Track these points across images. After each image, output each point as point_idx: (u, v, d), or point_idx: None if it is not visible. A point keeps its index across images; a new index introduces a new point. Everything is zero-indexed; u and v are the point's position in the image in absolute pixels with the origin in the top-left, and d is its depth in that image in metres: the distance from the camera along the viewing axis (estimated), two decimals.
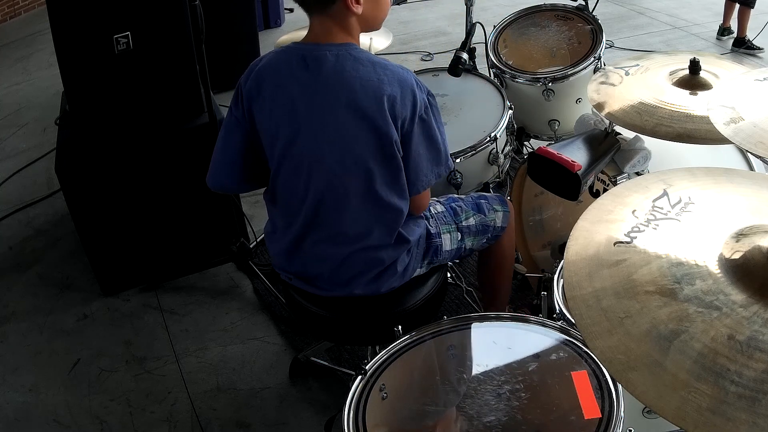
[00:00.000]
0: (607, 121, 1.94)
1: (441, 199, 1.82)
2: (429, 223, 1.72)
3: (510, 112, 2.22)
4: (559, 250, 2.19)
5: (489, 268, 1.95)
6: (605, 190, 1.93)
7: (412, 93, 1.47)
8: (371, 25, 1.53)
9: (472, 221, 1.78)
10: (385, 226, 1.57)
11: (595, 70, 2.45)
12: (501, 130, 2.15)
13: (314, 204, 1.54)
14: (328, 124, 1.47)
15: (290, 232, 1.61)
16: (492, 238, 1.84)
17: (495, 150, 2.15)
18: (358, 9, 1.45)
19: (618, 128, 1.94)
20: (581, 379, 1.23)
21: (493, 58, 2.63)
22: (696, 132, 1.61)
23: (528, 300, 2.34)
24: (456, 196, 1.85)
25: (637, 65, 1.89)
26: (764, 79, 1.48)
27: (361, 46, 1.52)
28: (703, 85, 1.74)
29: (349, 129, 1.46)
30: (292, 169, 1.54)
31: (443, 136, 1.56)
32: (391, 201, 1.54)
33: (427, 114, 1.50)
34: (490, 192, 2.12)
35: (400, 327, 1.44)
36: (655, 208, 1.06)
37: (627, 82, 1.83)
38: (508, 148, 2.25)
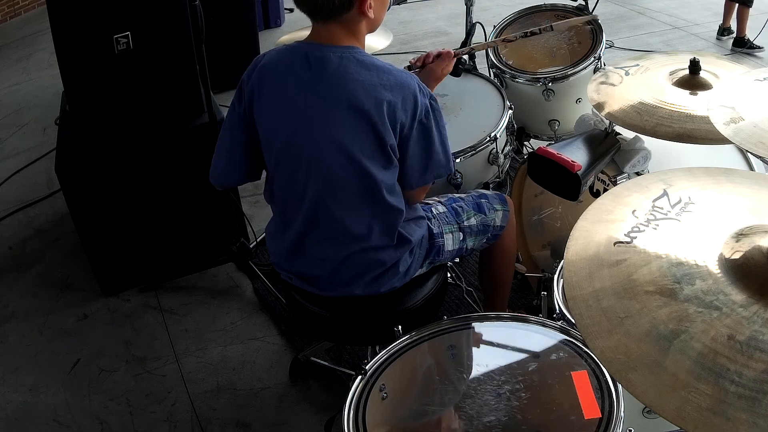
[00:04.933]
0: (607, 121, 1.94)
1: (442, 199, 1.82)
2: (431, 223, 1.72)
3: (510, 112, 2.22)
4: (555, 254, 2.20)
5: (490, 267, 1.96)
6: (605, 190, 1.93)
7: (414, 98, 1.47)
8: (376, 25, 1.55)
9: (473, 221, 1.78)
10: (385, 226, 1.57)
11: (595, 70, 2.45)
12: (501, 130, 2.15)
13: (312, 204, 1.54)
14: (328, 124, 1.47)
15: (290, 232, 1.62)
16: (492, 238, 1.84)
17: (495, 150, 2.15)
18: (371, 13, 1.47)
19: (618, 128, 1.94)
20: (581, 379, 1.23)
21: (493, 58, 2.63)
22: (696, 132, 1.61)
23: (528, 300, 2.34)
24: (456, 195, 1.85)
25: (637, 65, 1.89)
26: (764, 79, 1.48)
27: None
28: (703, 85, 1.74)
29: (348, 130, 1.46)
30: (290, 168, 1.54)
31: (445, 140, 1.56)
32: (389, 201, 1.54)
33: (427, 118, 1.50)
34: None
35: (400, 327, 1.44)
36: (655, 208, 1.06)
37: (627, 82, 1.83)
38: (508, 148, 2.25)
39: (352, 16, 1.46)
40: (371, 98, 1.44)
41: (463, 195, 1.86)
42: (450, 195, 1.86)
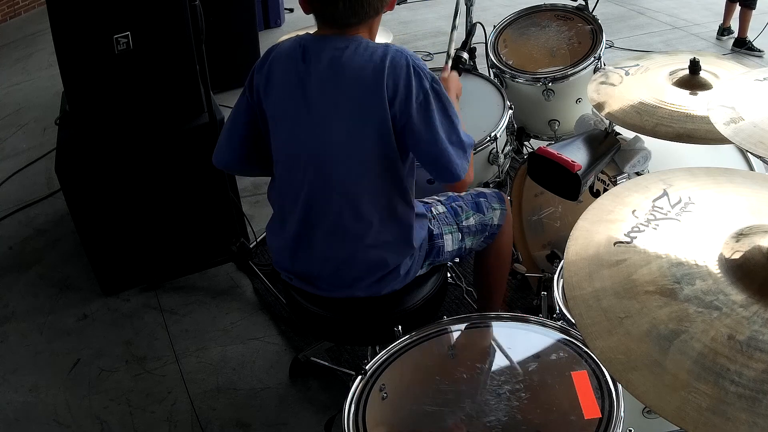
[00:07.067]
0: (607, 121, 1.94)
1: (441, 198, 1.81)
2: (431, 223, 1.72)
3: (510, 112, 2.22)
4: (551, 257, 2.20)
5: (485, 267, 1.94)
6: (605, 190, 1.93)
7: (407, 79, 1.42)
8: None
9: (472, 221, 1.78)
10: (385, 226, 1.56)
11: (595, 70, 2.45)
12: (501, 130, 2.15)
13: (309, 200, 1.54)
14: (325, 118, 1.46)
15: (288, 230, 1.61)
16: (489, 237, 1.83)
17: (495, 150, 2.15)
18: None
19: (618, 128, 1.94)
20: (581, 379, 1.23)
21: (493, 58, 2.63)
22: (696, 132, 1.61)
23: (528, 300, 2.34)
24: (456, 194, 1.85)
25: (637, 65, 1.89)
26: (764, 79, 1.48)
27: None
28: (703, 85, 1.74)
29: (346, 124, 1.45)
30: (290, 163, 1.54)
31: (450, 119, 1.48)
32: (389, 198, 1.53)
33: (426, 100, 1.44)
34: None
35: (400, 327, 1.44)
36: (655, 208, 1.06)
37: (627, 82, 1.83)
38: (508, 148, 2.25)
39: (373, 17, 1.48)
40: (367, 85, 1.41)
41: (462, 193, 1.85)
42: (449, 194, 1.85)
